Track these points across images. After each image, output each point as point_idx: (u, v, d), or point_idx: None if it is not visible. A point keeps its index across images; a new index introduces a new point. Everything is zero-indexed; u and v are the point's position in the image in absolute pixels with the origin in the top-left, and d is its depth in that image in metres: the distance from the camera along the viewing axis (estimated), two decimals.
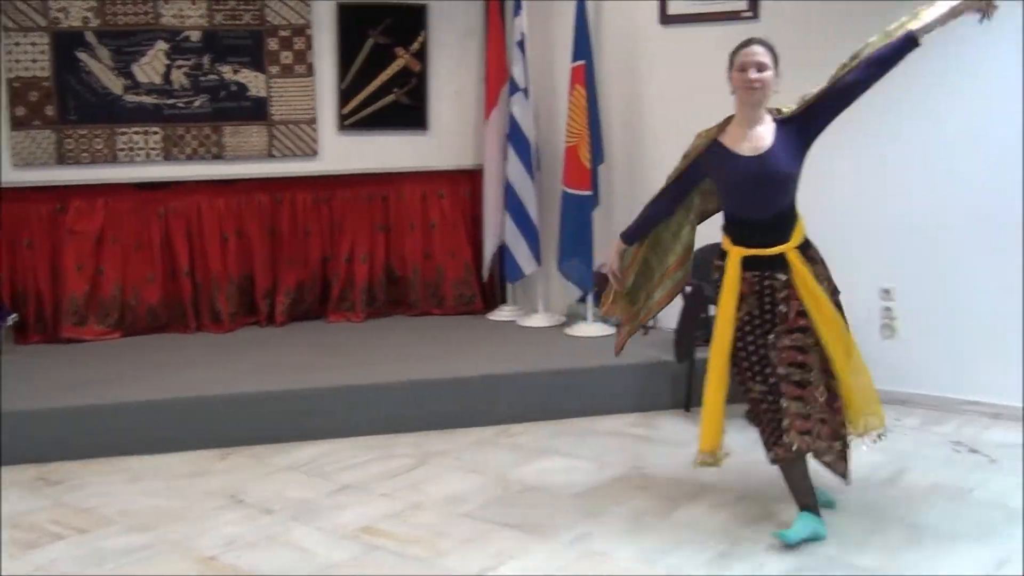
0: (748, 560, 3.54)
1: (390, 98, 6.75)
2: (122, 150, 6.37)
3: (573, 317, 6.27)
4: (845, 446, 3.70)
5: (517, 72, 6.33)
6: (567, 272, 6.06)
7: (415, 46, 6.72)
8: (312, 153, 6.65)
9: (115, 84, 6.33)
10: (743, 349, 3.76)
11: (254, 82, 6.52)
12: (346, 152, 6.70)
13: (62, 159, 6.30)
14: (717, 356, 3.79)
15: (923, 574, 3.41)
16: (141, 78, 6.35)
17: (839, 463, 3.67)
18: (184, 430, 4.92)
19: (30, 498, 4.35)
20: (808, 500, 3.71)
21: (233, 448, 4.90)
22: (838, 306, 3.77)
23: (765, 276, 3.72)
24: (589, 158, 5.93)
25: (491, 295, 6.97)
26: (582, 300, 6.19)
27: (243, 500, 4.28)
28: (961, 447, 4.70)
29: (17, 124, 6.23)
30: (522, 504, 4.14)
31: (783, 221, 3.73)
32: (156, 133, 6.41)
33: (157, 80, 6.38)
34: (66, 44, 6.25)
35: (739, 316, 3.75)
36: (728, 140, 3.77)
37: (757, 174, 3.67)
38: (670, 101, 6.00)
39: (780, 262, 3.70)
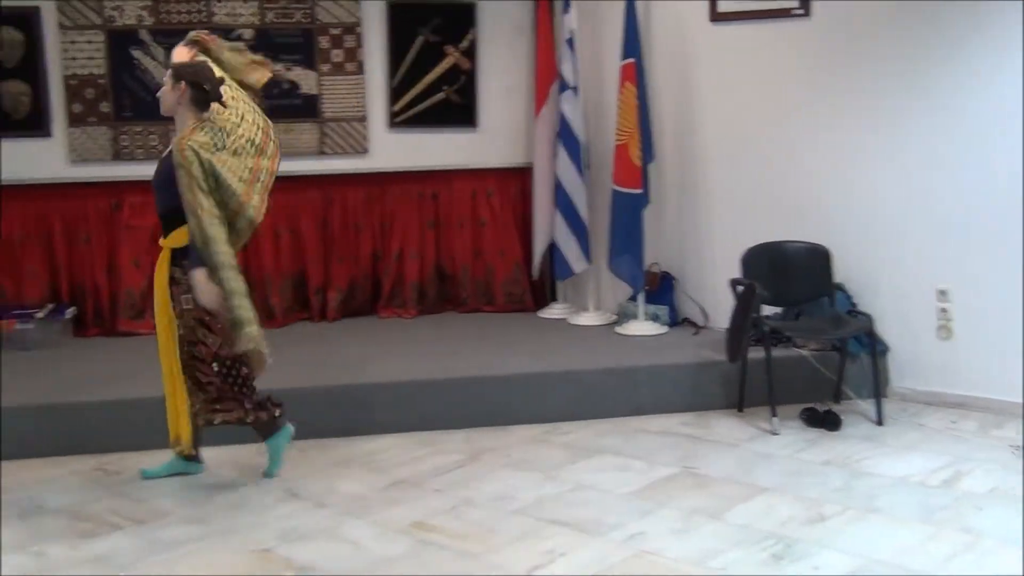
0: (802, 562, 3.51)
1: (440, 96, 6.77)
2: None
3: (624, 315, 6.25)
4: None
5: (567, 70, 6.32)
6: (617, 270, 6.05)
7: (464, 44, 6.74)
8: (363, 151, 6.70)
9: None
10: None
11: (305, 80, 6.57)
12: (396, 149, 6.74)
13: (118, 155, 6.40)
14: None
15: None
16: None
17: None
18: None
19: (89, 488, 4.42)
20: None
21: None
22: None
23: None
24: (639, 156, 5.91)
25: (541, 293, 6.97)
26: (632, 299, 6.17)
27: (297, 494, 4.32)
28: (1019, 451, 4.63)
29: (74, 121, 6.33)
30: (573, 502, 4.14)
31: None
32: None
33: None
34: (121, 42, 6.35)
35: None
36: None
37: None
38: (720, 99, 5.97)
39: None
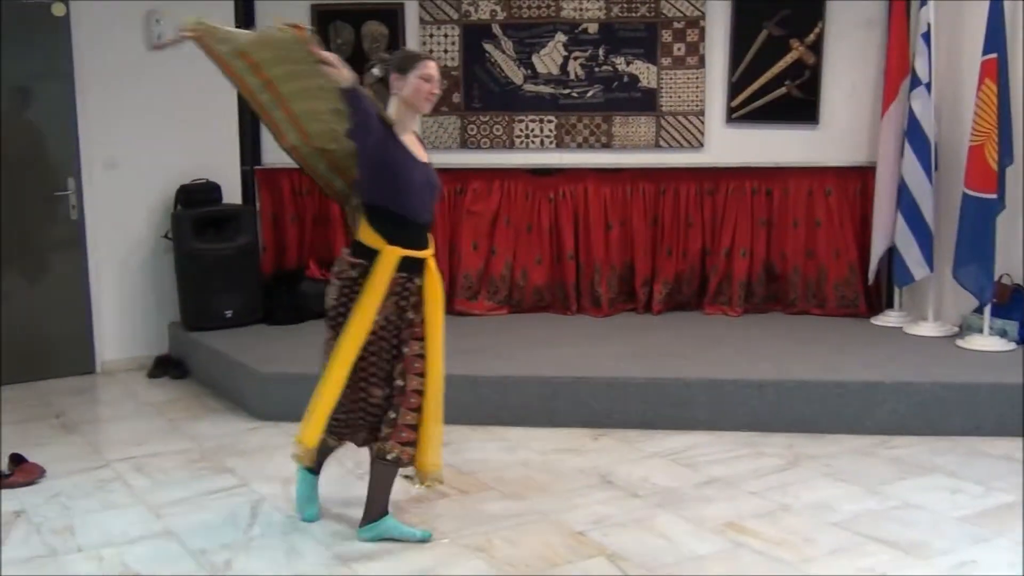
0: None
1: (781, 91, 6.61)
2: (519, 137, 6.72)
3: (967, 328, 5.85)
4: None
5: (920, 65, 5.98)
6: (963, 280, 5.66)
7: (810, 38, 6.53)
8: (698, 145, 6.67)
9: (516, 74, 6.68)
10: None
11: (646, 73, 6.63)
12: (732, 144, 6.66)
13: (464, 144, 6.76)
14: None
15: None
16: (540, 69, 6.66)
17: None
18: (560, 407, 5.12)
19: None
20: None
21: (605, 430, 5.04)
22: None
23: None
24: (996, 159, 5.50)
25: (876, 299, 6.66)
26: (978, 311, 5.76)
27: (612, 481, 4.39)
28: None
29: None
30: (898, 520, 3.94)
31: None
32: (551, 121, 6.70)
33: (555, 71, 6.66)
34: (475, 36, 6.68)
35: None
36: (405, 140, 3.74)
37: (429, 181, 3.78)
38: None
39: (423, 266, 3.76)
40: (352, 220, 3.88)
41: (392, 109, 3.75)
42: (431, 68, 3.72)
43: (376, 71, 3.78)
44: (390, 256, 3.64)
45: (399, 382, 3.73)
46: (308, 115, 3.77)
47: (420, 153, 3.79)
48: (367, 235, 3.69)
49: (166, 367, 6.30)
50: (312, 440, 3.76)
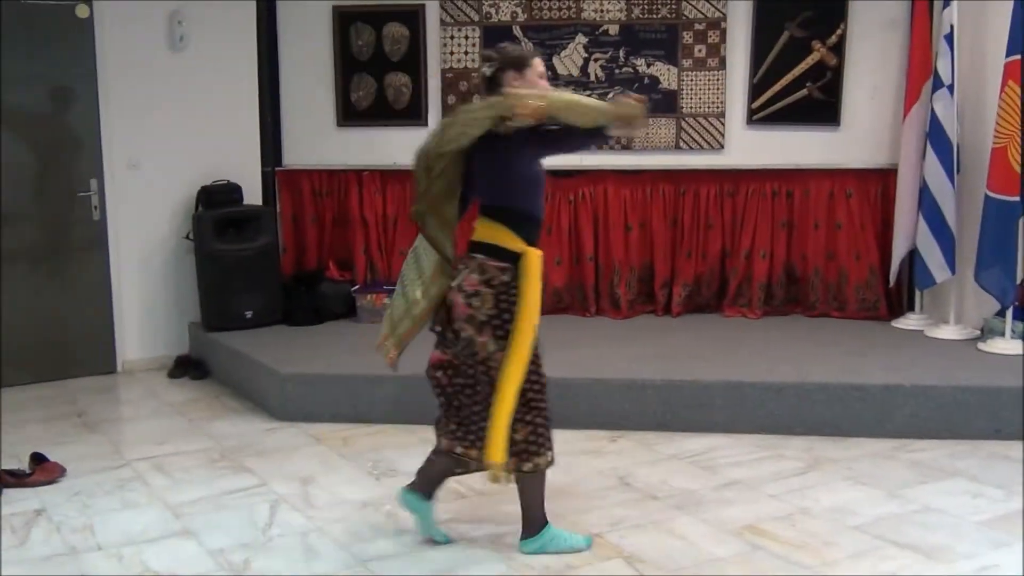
0: None
1: (802, 92, 6.58)
2: None
3: (989, 331, 5.80)
4: None
5: (942, 67, 5.94)
6: (985, 283, 5.63)
7: (832, 39, 6.50)
8: (719, 147, 6.65)
9: None
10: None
11: (666, 75, 6.62)
12: (753, 146, 6.64)
13: None
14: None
15: None
16: (561, 70, 6.65)
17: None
18: (578, 409, 5.11)
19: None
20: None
21: (623, 432, 5.04)
22: None
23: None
24: (1020, 161, 5.46)
25: (897, 302, 6.62)
26: (1000, 314, 5.72)
27: (630, 483, 4.38)
28: None
29: (448, 112, 6.75)
30: (919, 524, 3.92)
31: None
32: None
33: (575, 72, 6.66)
34: (495, 37, 6.65)
35: None
36: None
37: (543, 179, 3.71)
38: None
39: None
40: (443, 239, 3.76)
41: None
42: (542, 66, 3.73)
43: (486, 70, 3.73)
44: (535, 257, 3.58)
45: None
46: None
47: None
48: (503, 237, 3.58)
49: (186, 367, 6.33)
50: (503, 454, 3.53)
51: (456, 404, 3.73)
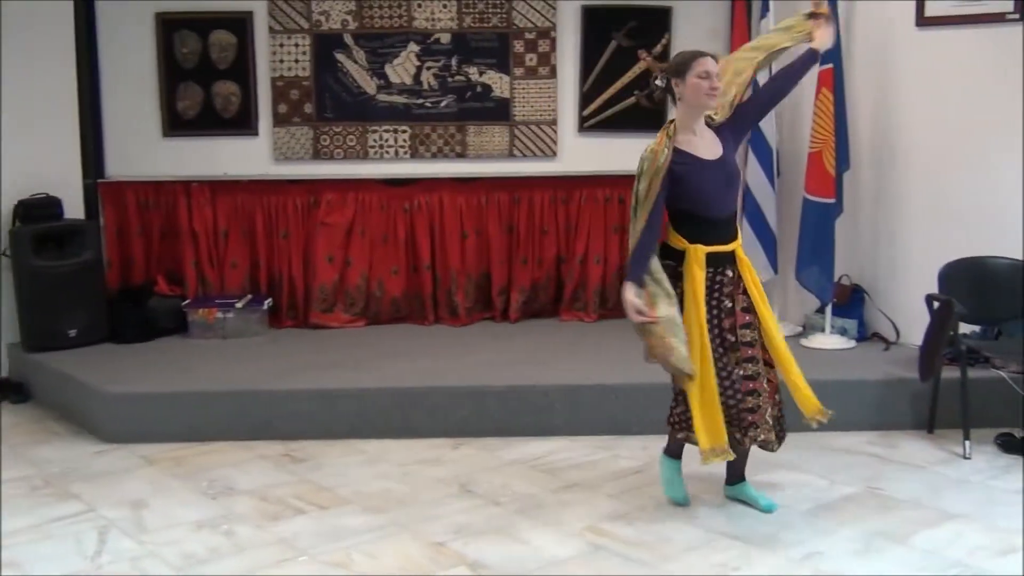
0: None
1: (630, 100, 6.75)
2: (373, 147, 6.68)
3: (810, 328, 6.07)
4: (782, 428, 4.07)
5: (761, 75, 6.17)
6: (805, 281, 5.88)
7: (657, 49, 6.69)
8: (552, 154, 6.75)
9: (369, 84, 6.63)
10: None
11: (499, 83, 6.68)
12: (585, 153, 6.76)
13: (317, 154, 6.67)
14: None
15: None
16: (393, 79, 6.63)
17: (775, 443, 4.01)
18: (419, 418, 5.10)
19: (276, 473, 4.63)
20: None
21: (464, 439, 5.04)
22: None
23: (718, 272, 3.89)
24: (834, 164, 5.73)
25: None
26: (820, 311, 5.99)
27: (472, 490, 4.39)
28: None
29: (279, 121, 6.65)
30: (749, 515, 4.06)
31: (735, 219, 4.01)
32: (405, 132, 6.68)
33: (408, 81, 6.65)
34: (326, 45, 6.61)
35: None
36: (688, 147, 3.86)
37: (725, 175, 3.90)
38: (923, 106, 5.71)
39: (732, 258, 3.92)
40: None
41: (679, 114, 3.90)
42: (707, 64, 3.80)
43: (659, 82, 3.87)
44: (695, 253, 3.83)
45: (738, 371, 3.88)
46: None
47: (708, 152, 3.89)
48: (672, 237, 3.92)
49: (5, 391, 6.00)
50: (719, 438, 3.87)
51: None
